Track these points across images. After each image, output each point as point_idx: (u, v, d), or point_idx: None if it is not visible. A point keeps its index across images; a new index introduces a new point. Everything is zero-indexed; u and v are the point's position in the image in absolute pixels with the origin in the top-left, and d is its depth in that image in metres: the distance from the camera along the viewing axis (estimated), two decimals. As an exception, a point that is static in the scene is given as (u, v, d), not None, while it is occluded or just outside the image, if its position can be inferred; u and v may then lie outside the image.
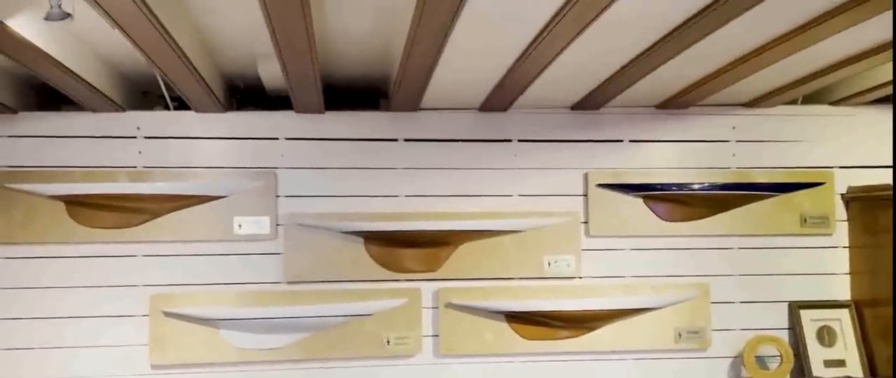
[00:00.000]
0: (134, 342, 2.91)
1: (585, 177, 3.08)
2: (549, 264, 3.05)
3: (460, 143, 3.05)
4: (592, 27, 1.89)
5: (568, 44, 2.04)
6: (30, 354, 2.89)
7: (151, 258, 2.93)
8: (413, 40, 1.96)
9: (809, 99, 3.13)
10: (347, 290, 2.98)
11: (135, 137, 2.93)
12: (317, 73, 2.36)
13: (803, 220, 3.13)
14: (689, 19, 1.93)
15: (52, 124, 2.89)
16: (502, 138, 3.07)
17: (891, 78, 2.69)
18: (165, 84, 2.76)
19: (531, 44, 2.08)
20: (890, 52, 2.29)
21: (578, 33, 1.94)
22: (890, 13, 1.89)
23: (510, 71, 2.40)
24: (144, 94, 3.05)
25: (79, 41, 2.32)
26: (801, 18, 1.98)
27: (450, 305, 3.01)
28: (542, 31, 1.97)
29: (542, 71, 2.36)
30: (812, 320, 3.12)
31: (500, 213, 3.03)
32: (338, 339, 2.97)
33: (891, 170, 3.11)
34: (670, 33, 2.04)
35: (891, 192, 2.94)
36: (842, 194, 3.16)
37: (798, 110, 3.16)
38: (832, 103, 3.13)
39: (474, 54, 2.25)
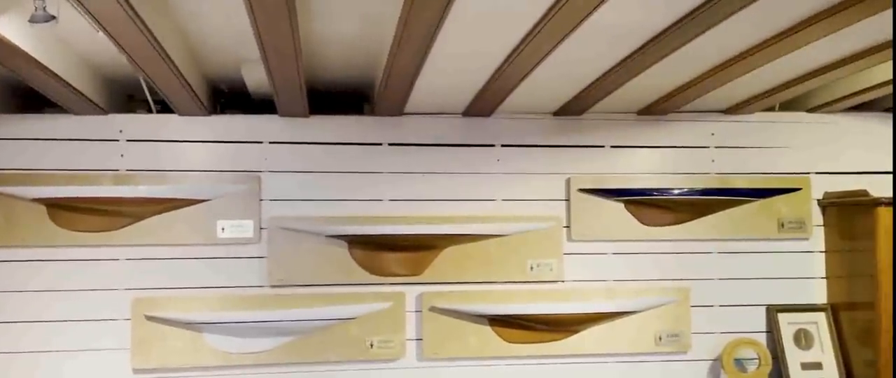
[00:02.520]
0: (116, 346, 2.89)
1: (567, 182, 3.10)
2: (532, 268, 3.08)
3: (444, 147, 3.07)
4: (574, 34, 1.91)
5: (551, 50, 2.06)
6: (10, 358, 2.86)
7: (134, 262, 2.92)
8: (398, 45, 1.97)
9: (787, 106, 3.18)
10: (331, 293, 2.98)
11: (117, 140, 2.92)
12: (302, 78, 2.37)
13: (781, 225, 3.17)
14: (669, 27, 1.96)
15: (34, 127, 2.87)
16: (486, 143, 3.09)
17: (863, 87, 2.75)
18: (149, 87, 2.75)
19: (514, 50, 2.11)
20: (864, 61, 2.34)
21: (561, 40, 1.97)
22: (865, 22, 1.92)
23: (494, 76, 2.42)
24: (129, 97, 3.04)
25: (62, 44, 2.31)
26: (780, 26, 2.02)
27: (434, 309, 3.02)
28: (525, 38, 1.99)
29: (525, 77, 2.38)
30: (789, 323, 3.16)
31: (484, 217, 3.05)
32: (322, 343, 2.97)
33: (864, 176, 3.16)
34: (651, 41, 2.08)
35: (865, 199, 2.99)
36: (818, 200, 3.21)
37: (776, 117, 3.21)
38: (809, 110, 3.19)
39: (458, 60, 2.27)
